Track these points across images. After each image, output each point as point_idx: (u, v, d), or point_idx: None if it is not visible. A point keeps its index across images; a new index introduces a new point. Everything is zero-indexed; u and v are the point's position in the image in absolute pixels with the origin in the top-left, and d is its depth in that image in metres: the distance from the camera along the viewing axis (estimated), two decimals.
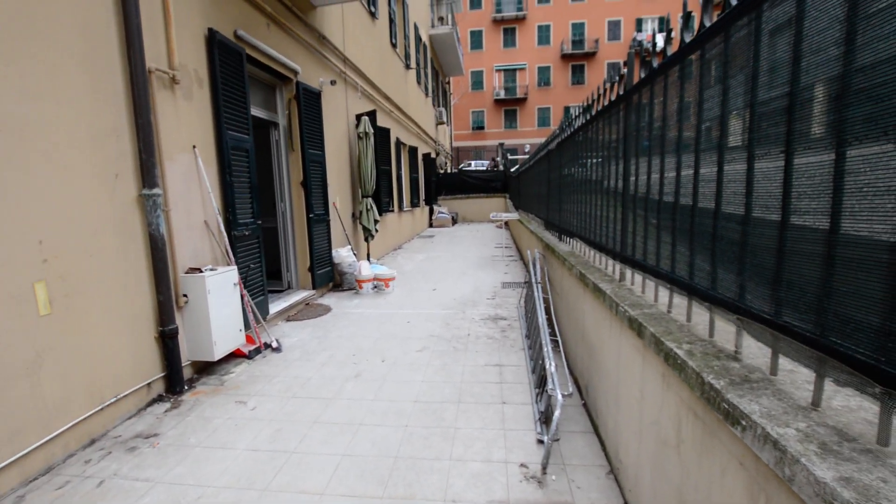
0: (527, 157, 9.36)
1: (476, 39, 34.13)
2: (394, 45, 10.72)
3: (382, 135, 8.99)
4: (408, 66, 12.34)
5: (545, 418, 2.67)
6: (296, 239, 5.88)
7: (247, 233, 4.31)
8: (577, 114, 3.57)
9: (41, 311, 2.41)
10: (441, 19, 17.44)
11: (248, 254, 4.33)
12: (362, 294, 6.27)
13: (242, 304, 3.96)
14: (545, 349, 2.87)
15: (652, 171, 1.94)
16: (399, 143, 11.21)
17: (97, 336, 2.76)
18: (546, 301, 4.08)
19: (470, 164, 25.76)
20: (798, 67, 1.04)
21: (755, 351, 1.32)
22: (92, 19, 2.77)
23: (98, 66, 2.80)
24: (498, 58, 34.16)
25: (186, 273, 3.48)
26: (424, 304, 5.63)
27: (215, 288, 3.53)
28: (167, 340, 3.24)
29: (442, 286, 6.58)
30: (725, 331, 1.46)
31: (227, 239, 3.97)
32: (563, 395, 2.48)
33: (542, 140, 5.77)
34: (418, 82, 14.00)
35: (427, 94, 15.76)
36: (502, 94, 34.40)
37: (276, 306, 5.07)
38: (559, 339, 3.72)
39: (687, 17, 1.66)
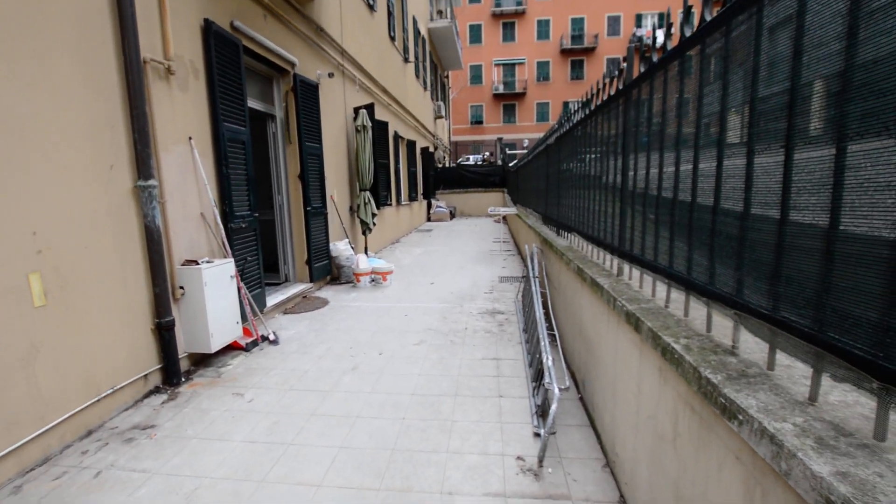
0: (525, 152, 9.34)
1: (475, 33, 33.94)
2: (392, 39, 10.64)
3: (380, 128, 8.95)
4: (406, 60, 12.26)
5: (542, 412, 2.68)
6: (293, 232, 5.86)
7: (243, 225, 4.29)
8: (576, 108, 3.55)
9: (36, 302, 2.40)
10: (440, 13, 17.31)
11: (244, 246, 4.32)
12: (360, 287, 6.27)
13: (239, 296, 3.95)
14: (542, 343, 2.88)
15: (651, 166, 1.94)
16: (397, 137, 11.16)
17: (93, 327, 2.75)
18: (544, 295, 4.08)
19: (468, 159, 25.74)
20: (799, 62, 1.04)
21: (752, 346, 1.32)
22: (85, 8, 2.73)
23: (92, 56, 2.77)
24: (497, 52, 33.99)
25: (183, 265, 3.46)
26: (422, 297, 5.63)
27: (212, 280, 3.51)
28: (164, 332, 3.23)
29: (440, 280, 6.58)
30: (723, 326, 1.47)
31: (223, 231, 3.95)
32: (560, 389, 2.49)
33: (541, 135, 5.75)
34: (417, 76, 13.92)
35: (425, 88, 15.68)
36: (501, 89, 34.28)
37: (273, 299, 5.06)
38: (556, 333, 3.74)
39: (687, 11, 1.64)
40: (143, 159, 3.06)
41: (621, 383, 2.05)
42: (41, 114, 2.45)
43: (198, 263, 3.48)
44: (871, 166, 0.84)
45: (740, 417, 1.02)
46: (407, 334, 4.27)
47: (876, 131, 0.83)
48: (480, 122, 35.18)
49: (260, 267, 4.59)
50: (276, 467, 2.31)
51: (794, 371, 1.16)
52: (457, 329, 4.38)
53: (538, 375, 2.93)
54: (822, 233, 0.95)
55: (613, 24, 32.59)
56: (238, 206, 4.22)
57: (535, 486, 2.12)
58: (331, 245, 6.50)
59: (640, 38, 2.40)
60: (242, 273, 4.21)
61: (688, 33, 1.60)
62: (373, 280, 6.40)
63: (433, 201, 16.59)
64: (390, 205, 10.33)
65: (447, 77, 23.16)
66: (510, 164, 14.27)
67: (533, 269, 4.31)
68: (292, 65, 5.48)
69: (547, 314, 3.84)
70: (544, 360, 2.66)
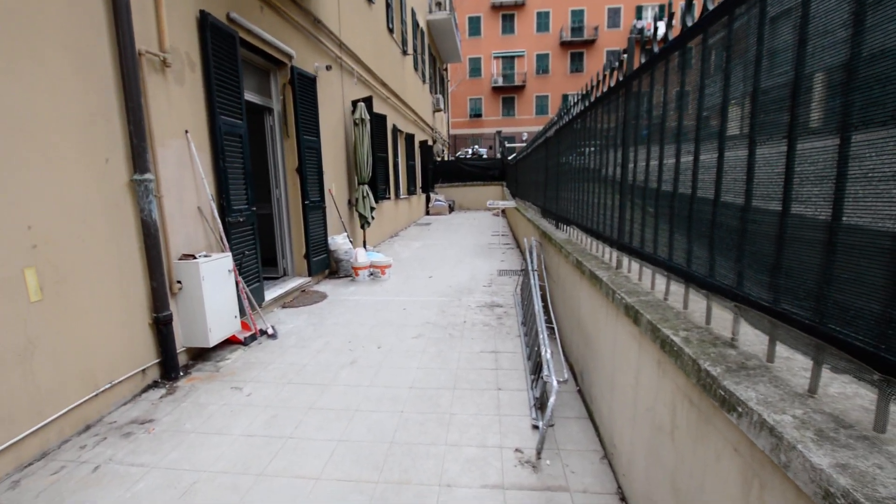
0: (524, 145, 9.31)
1: (474, 26, 33.68)
2: (390, 31, 10.55)
3: (379, 121, 8.90)
4: (405, 52, 12.17)
5: (540, 404, 2.68)
6: (291, 226, 5.84)
7: (241, 219, 4.27)
8: (575, 101, 3.53)
9: (32, 297, 2.38)
10: (439, 4, 17.14)
11: (242, 240, 4.30)
12: (358, 281, 6.26)
13: (237, 290, 3.94)
14: (541, 336, 2.88)
15: (651, 158, 1.92)
16: (396, 130, 11.10)
17: (90, 322, 2.73)
18: (542, 288, 4.08)
19: (467, 153, 25.69)
20: (803, 50, 1.02)
21: (752, 338, 1.32)
22: None
23: (86, 48, 2.73)
24: (496, 45, 33.76)
25: (180, 259, 3.45)
26: (421, 291, 5.62)
27: (209, 274, 3.50)
28: (161, 327, 3.22)
29: (438, 274, 6.57)
30: (722, 318, 1.46)
31: (221, 225, 3.93)
32: (559, 382, 2.49)
33: (540, 128, 5.72)
34: (415, 69, 13.83)
35: (424, 81, 15.58)
36: (500, 82, 34.09)
37: (271, 293, 5.05)
38: (555, 326, 3.73)
39: (689, 0, 1.62)
40: (139, 153, 3.04)
41: (620, 376, 2.05)
42: (35, 107, 2.42)
43: (195, 258, 3.46)
44: (877, 156, 0.82)
45: (739, 409, 1.01)
46: (405, 328, 4.27)
47: (882, 120, 0.82)
48: (479, 116, 35.02)
49: (258, 261, 4.58)
50: (274, 461, 2.31)
51: (793, 363, 1.16)
52: (455, 322, 4.37)
53: (536, 368, 2.93)
54: (825, 224, 0.94)
55: (613, 15, 32.37)
56: (235, 200, 4.20)
57: (534, 478, 2.12)
58: (329, 239, 6.48)
59: (640, 30, 2.37)
60: (240, 267, 4.19)
61: (689, 24, 1.58)
62: (371, 274, 6.40)
63: (432, 195, 16.55)
64: (389, 198, 10.30)
65: (446, 70, 23.02)
66: (509, 158, 14.22)
67: (532, 262, 4.30)
68: (290, 57, 5.43)
69: (545, 307, 3.83)
70: (543, 353, 2.66)
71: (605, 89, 2.64)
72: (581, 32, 32.54)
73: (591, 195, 2.95)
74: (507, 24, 33.51)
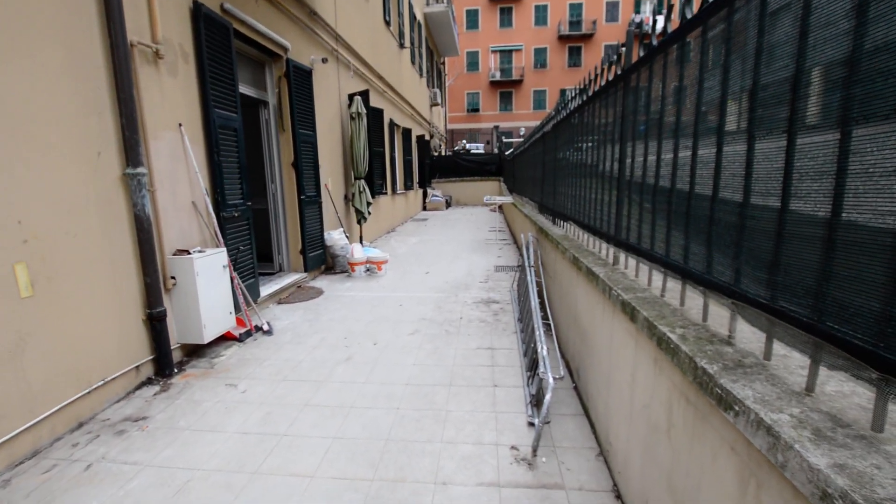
0: (522, 140, 9.27)
1: (472, 19, 33.46)
2: (387, 23, 10.46)
3: (375, 115, 8.84)
4: (402, 46, 12.08)
5: (536, 401, 2.67)
6: (287, 221, 5.81)
7: (236, 214, 4.24)
8: (573, 95, 3.50)
9: (22, 293, 2.35)
10: None
11: (237, 235, 4.26)
12: (355, 277, 6.23)
13: (232, 286, 3.91)
14: (537, 332, 2.87)
15: (649, 154, 1.90)
16: (392, 125, 11.04)
17: (82, 318, 2.70)
18: (539, 285, 4.06)
19: (468, 148, 25.63)
20: (804, 43, 1.00)
21: (749, 335, 1.30)
22: None
23: (76, 39, 2.68)
24: (494, 38, 33.57)
25: (174, 255, 3.41)
26: (417, 287, 5.61)
27: (204, 270, 3.47)
28: (155, 323, 3.20)
29: (435, 269, 6.55)
30: (719, 315, 1.45)
31: (215, 220, 3.90)
32: (555, 378, 2.48)
33: (538, 123, 5.69)
34: (412, 62, 13.74)
35: (421, 75, 15.49)
36: (498, 76, 33.93)
37: (267, 289, 5.02)
38: (551, 322, 3.72)
39: None
40: (131, 146, 2.99)
41: (616, 373, 2.04)
42: (24, 99, 2.38)
43: (189, 253, 3.43)
44: (878, 150, 0.81)
45: (736, 408, 1.00)
46: (401, 324, 4.26)
47: (884, 114, 0.80)
48: (477, 110, 34.87)
49: (253, 256, 4.54)
50: (269, 458, 2.29)
51: (790, 361, 1.15)
52: (452, 319, 4.36)
53: (533, 365, 2.92)
54: (824, 220, 0.93)
55: (612, 9, 32.21)
56: (230, 195, 4.16)
57: (529, 475, 2.12)
58: (325, 234, 6.45)
59: (639, 24, 2.34)
60: (235, 263, 4.16)
61: (688, 16, 1.55)
62: (368, 269, 6.37)
63: (429, 190, 16.49)
64: (385, 193, 10.25)
65: (443, 64, 22.88)
66: (507, 153, 14.18)
67: (528, 258, 4.28)
68: (285, 49, 5.37)
69: (542, 303, 3.82)
70: (539, 350, 2.65)
71: (602, 83, 2.61)
72: (579, 26, 32.38)
73: (589, 191, 2.93)
74: (505, 17, 33.30)
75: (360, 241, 7.70)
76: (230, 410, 2.77)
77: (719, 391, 1.07)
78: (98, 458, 2.33)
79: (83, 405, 2.70)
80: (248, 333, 4.01)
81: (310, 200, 5.94)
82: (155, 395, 3.00)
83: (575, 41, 32.90)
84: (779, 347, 1.16)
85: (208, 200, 3.83)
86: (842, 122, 0.89)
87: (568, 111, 3.69)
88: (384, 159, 9.95)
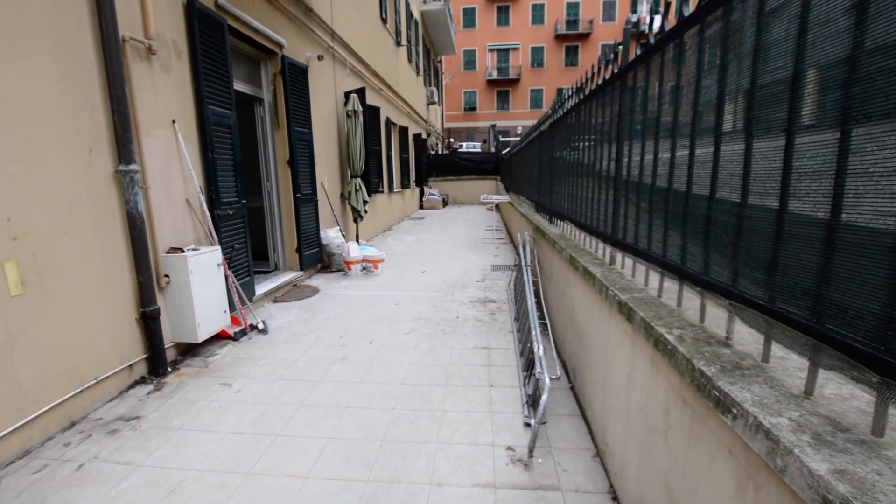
0: (518, 139, 9.26)
1: (469, 17, 33.37)
2: (384, 21, 10.41)
3: (372, 113, 8.80)
4: (398, 43, 12.03)
5: (532, 401, 2.66)
6: (282, 219, 5.77)
7: (231, 212, 4.20)
8: (569, 94, 3.48)
9: (12, 291, 2.32)
10: None
11: (232, 234, 4.23)
12: (351, 276, 6.21)
13: (227, 284, 3.88)
14: (534, 332, 2.86)
15: (646, 153, 1.89)
16: (389, 123, 11.00)
17: (74, 316, 2.67)
18: (535, 284, 4.06)
19: (462, 146, 25.61)
20: (803, 41, 0.98)
21: (746, 337, 1.29)
22: None
23: (67, 34, 2.64)
24: (491, 37, 33.50)
25: (168, 253, 3.38)
26: (413, 286, 5.59)
27: (198, 268, 3.44)
28: (148, 321, 3.16)
29: (431, 268, 6.53)
30: (716, 316, 1.44)
31: (210, 218, 3.86)
32: (551, 379, 2.47)
33: (535, 122, 5.68)
34: (409, 60, 13.69)
35: (418, 73, 15.44)
36: (495, 75, 33.87)
37: (262, 287, 4.99)
38: (548, 322, 3.71)
39: None
40: (123, 143, 2.96)
41: (613, 373, 2.03)
42: (13, 94, 2.34)
43: (183, 251, 3.39)
44: (879, 150, 0.79)
45: (734, 411, 0.99)
46: (398, 323, 4.24)
47: (885, 113, 0.78)
48: (474, 109, 34.81)
49: (248, 255, 4.51)
50: (263, 459, 2.27)
51: (788, 363, 1.14)
52: (448, 318, 4.35)
53: (529, 365, 2.91)
54: (824, 221, 0.91)
55: (609, 9, 32.20)
56: (225, 193, 4.12)
57: (525, 476, 2.11)
58: (321, 233, 6.42)
59: (636, 23, 2.33)
60: (230, 261, 4.13)
61: (685, 14, 1.54)
62: (364, 268, 6.35)
63: (426, 189, 16.46)
64: (382, 192, 10.22)
65: (440, 62, 22.82)
66: (503, 152, 14.16)
67: (525, 257, 4.27)
68: (280, 46, 5.33)
69: (539, 303, 3.81)
70: (535, 350, 2.64)
71: (599, 82, 2.60)
72: (576, 25, 32.36)
73: (585, 190, 2.92)
74: (502, 16, 33.23)
75: (357, 240, 7.67)
76: (224, 410, 2.75)
77: (717, 393, 1.06)
78: (90, 457, 2.30)
79: (75, 404, 2.66)
80: (243, 332, 3.98)
81: (306, 198, 5.91)
82: (148, 394, 2.97)
83: (572, 40, 32.88)
84: (777, 349, 1.15)
85: (202, 198, 3.79)
86: (841, 122, 0.88)
87: (564, 110, 3.68)
88: (381, 157, 9.91)
